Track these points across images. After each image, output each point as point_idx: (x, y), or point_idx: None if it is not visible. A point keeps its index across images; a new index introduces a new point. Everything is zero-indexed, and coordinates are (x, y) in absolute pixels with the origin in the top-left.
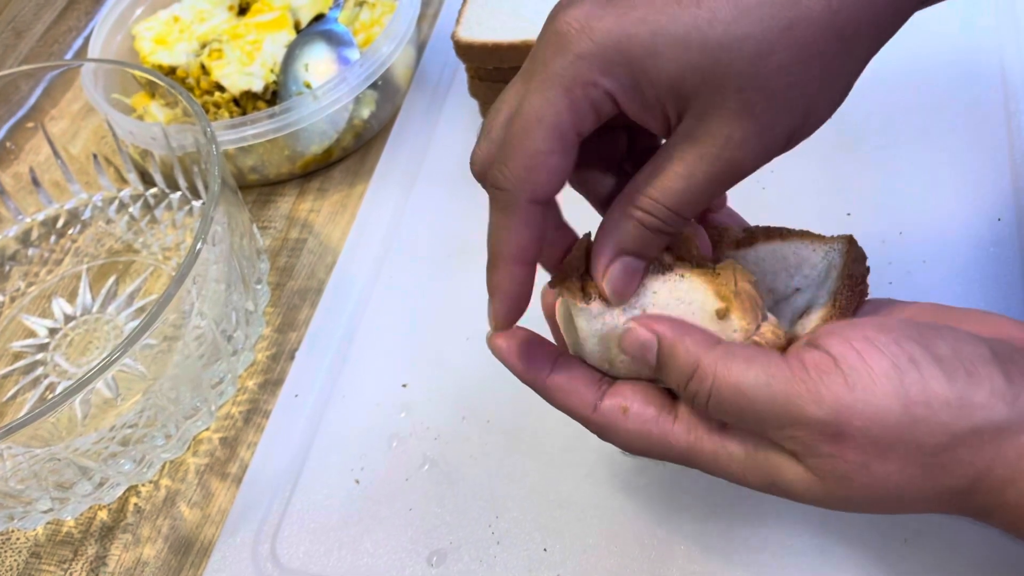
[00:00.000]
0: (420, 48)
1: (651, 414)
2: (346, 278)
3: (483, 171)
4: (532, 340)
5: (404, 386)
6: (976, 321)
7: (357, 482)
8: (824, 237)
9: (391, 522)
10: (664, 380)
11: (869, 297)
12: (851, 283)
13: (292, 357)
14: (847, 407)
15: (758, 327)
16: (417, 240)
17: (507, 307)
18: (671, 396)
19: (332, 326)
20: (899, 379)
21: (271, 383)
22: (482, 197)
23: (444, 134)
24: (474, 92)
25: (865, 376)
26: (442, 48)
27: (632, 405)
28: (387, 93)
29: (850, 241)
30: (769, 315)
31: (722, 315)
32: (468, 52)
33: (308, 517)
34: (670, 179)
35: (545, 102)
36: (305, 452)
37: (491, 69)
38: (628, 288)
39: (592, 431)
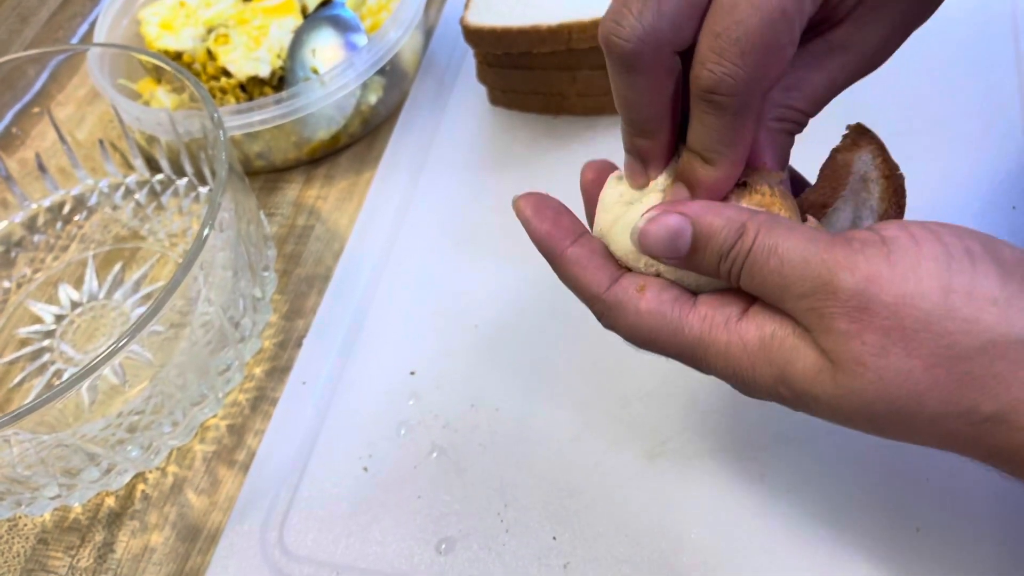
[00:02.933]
0: (428, 33)
1: (670, 295)
2: (353, 265)
3: (654, 48)
4: (560, 210)
5: (412, 373)
6: None
7: (365, 470)
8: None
9: (399, 510)
10: (699, 263)
11: None
12: (893, 207)
13: (299, 344)
14: (881, 279)
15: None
16: (425, 226)
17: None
18: (686, 294)
19: (340, 313)
20: (947, 264)
21: (278, 370)
22: (493, 181)
23: (452, 120)
24: (482, 78)
25: (912, 256)
26: (450, 33)
27: (650, 285)
28: (395, 79)
29: (876, 145)
30: (809, 217)
31: None
32: (477, 37)
33: (316, 505)
34: (814, 87)
35: None
36: (313, 439)
37: (500, 55)
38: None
39: (599, 312)
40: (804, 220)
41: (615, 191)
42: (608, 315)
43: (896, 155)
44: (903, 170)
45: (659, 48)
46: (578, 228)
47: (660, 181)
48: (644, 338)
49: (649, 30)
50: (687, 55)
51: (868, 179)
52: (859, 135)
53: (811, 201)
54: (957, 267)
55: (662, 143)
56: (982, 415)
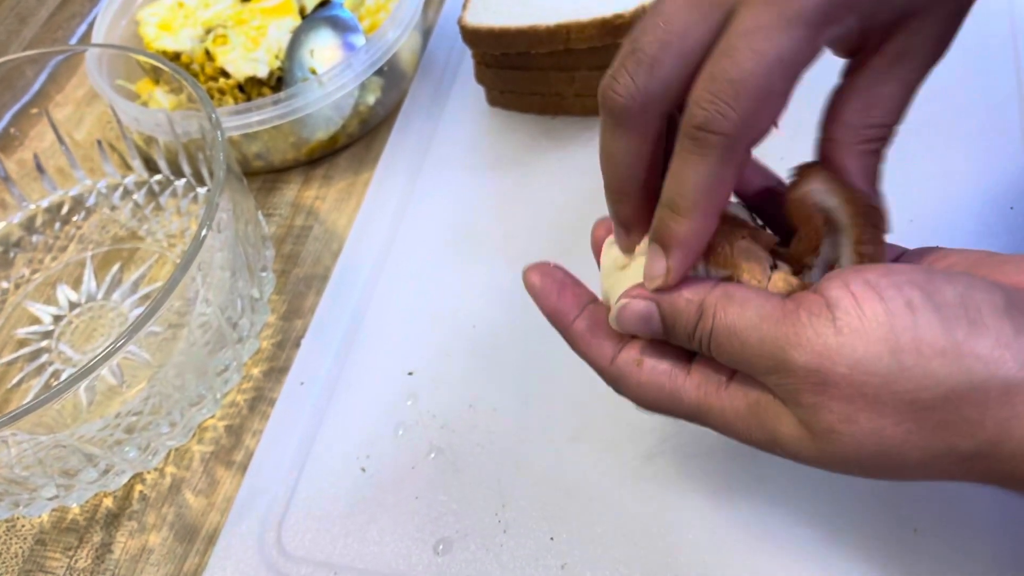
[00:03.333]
0: (426, 34)
1: (664, 368)
2: (352, 265)
3: (642, 106)
4: (566, 281)
5: (410, 374)
6: (1017, 268)
7: (363, 470)
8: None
9: (397, 510)
10: (675, 340)
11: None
12: (867, 227)
13: (298, 345)
14: (831, 352)
15: (769, 279)
16: (423, 227)
17: (688, 262)
18: (687, 354)
19: (338, 314)
20: (889, 324)
21: (276, 371)
22: (491, 182)
23: (450, 121)
24: (480, 78)
25: (855, 320)
26: (448, 33)
27: (646, 358)
28: (393, 79)
29: (825, 174)
30: (781, 264)
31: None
32: (475, 38)
33: (314, 505)
34: (890, 99)
35: (787, 40)
36: (311, 440)
37: (498, 55)
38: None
39: (607, 382)
40: (773, 268)
41: (610, 257)
42: (615, 385)
43: (894, 156)
44: (901, 167)
45: (648, 107)
46: (583, 299)
47: (645, 245)
48: (650, 404)
49: (642, 88)
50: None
51: (829, 208)
52: (805, 170)
53: (799, 252)
54: (900, 324)
55: (641, 207)
56: (964, 454)
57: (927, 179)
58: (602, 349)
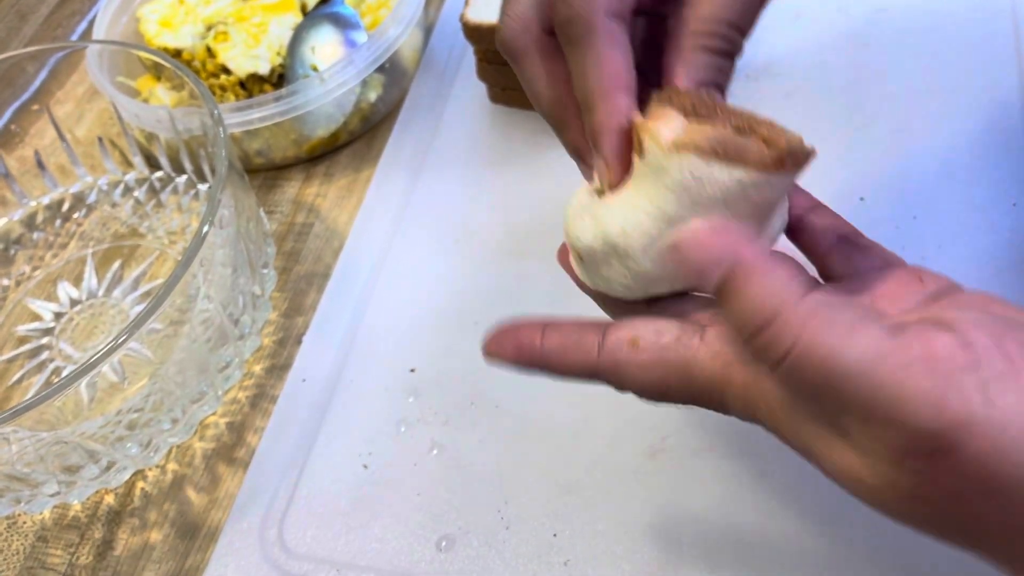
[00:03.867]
0: (428, 30)
1: (668, 340)
2: (353, 263)
3: (522, 29)
4: (515, 326)
5: (412, 371)
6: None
7: (365, 467)
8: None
9: (399, 507)
10: (723, 308)
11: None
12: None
13: (299, 342)
14: (971, 425)
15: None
16: (425, 224)
17: (619, 148)
18: (690, 325)
19: (339, 311)
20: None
21: (278, 368)
22: (493, 179)
23: (452, 118)
24: (482, 75)
25: (1005, 384)
26: (450, 30)
27: (643, 335)
28: (394, 76)
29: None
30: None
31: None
32: (476, 34)
33: (315, 502)
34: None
35: None
36: (312, 437)
37: (499, 52)
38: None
39: (604, 378)
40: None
41: (573, 204)
42: (612, 378)
43: (896, 152)
44: (904, 164)
45: (528, 28)
46: (537, 324)
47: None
48: (656, 390)
49: (517, 15)
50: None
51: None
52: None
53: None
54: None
55: (578, 130)
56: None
57: (930, 176)
58: (584, 344)
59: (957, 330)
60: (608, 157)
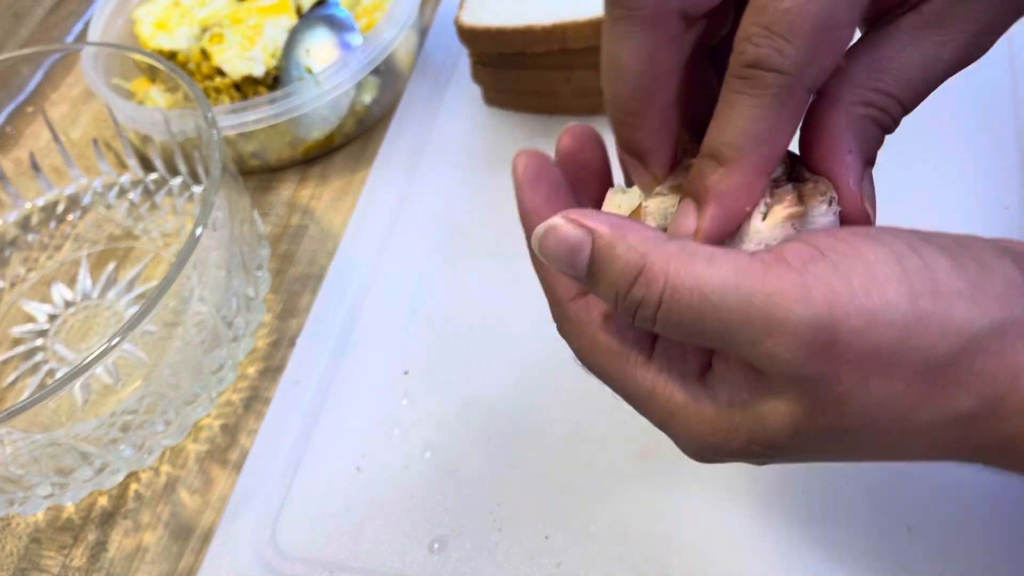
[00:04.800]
0: (423, 33)
1: (632, 336)
2: (347, 264)
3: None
4: (559, 186)
5: (406, 373)
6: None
7: (358, 469)
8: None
9: (392, 509)
10: (597, 290)
11: None
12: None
13: (293, 344)
14: (841, 301)
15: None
16: (419, 226)
17: (725, 223)
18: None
19: (333, 313)
20: (900, 266)
21: (272, 370)
22: (487, 182)
23: (447, 120)
24: (477, 78)
25: (860, 264)
26: (445, 33)
27: (617, 316)
28: (389, 78)
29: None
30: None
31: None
32: (471, 37)
33: (309, 504)
34: (907, 69)
35: None
36: (306, 439)
37: (494, 55)
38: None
39: (556, 318)
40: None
41: (614, 206)
42: (564, 326)
43: (887, 155)
44: (895, 168)
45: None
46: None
47: (663, 191)
48: (594, 369)
49: None
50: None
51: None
52: None
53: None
54: (911, 266)
55: (655, 130)
56: (968, 417)
57: (921, 179)
58: (565, 279)
59: (802, 241)
60: (709, 230)
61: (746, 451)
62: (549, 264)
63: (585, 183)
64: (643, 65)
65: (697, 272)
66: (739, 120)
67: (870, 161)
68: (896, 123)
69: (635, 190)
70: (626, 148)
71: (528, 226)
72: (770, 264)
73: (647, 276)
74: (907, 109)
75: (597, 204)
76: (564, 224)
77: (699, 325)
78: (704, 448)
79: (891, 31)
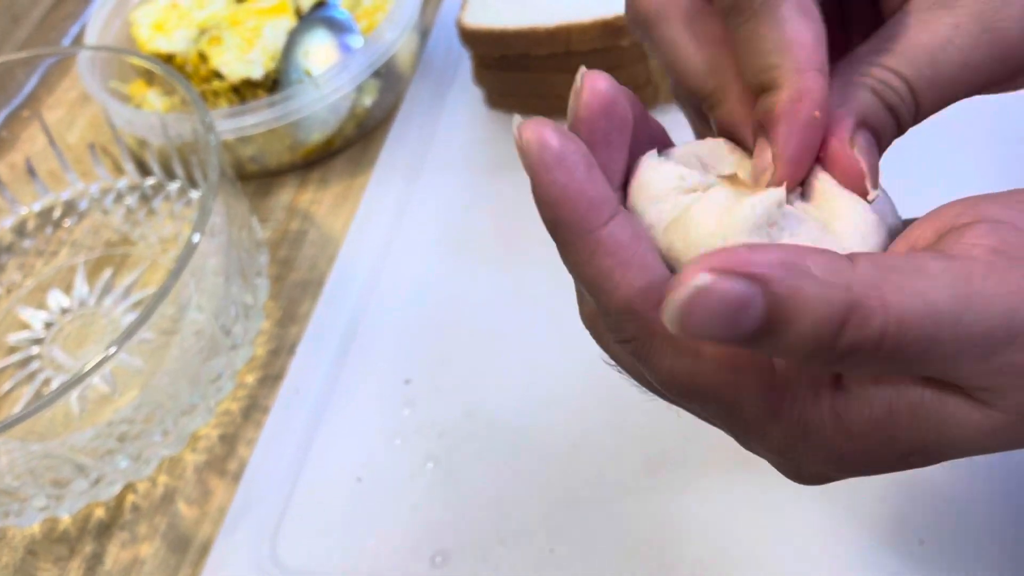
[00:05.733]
0: (424, 35)
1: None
2: (348, 271)
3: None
4: (592, 163)
5: (407, 382)
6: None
7: (359, 480)
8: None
9: (394, 521)
10: (776, 348)
11: None
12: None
13: (292, 352)
14: None
15: None
16: (421, 232)
17: (803, 142)
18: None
19: (333, 320)
20: None
21: (271, 378)
22: (490, 186)
23: (448, 123)
24: (479, 80)
25: None
26: (447, 35)
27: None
28: (390, 81)
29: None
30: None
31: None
32: (473, 39)
33: (309, 515)
34: (912, 47)
35: None
36: (306, 449)
37: (497, 57)
38: (876, 169)
39: (626, 331)
40: None
41: (664, 173)
42: (641, 342)
43: (894, 159)
44: (902, 173)
45: None
46: (611, 196)
47: (732, 163)
48: (688, 392)
49: None
50: None
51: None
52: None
53: None
54: None
55: (737, 99)
56: None
57: (929, 185)
58: (640, 279)
59: (980, 224)
60: (784, 150)
61: (904, 462)
62: (691, 337)
63: (605, 144)
64: (702, 54)
65: (922, 291)
66: (757, 43)
67: (867, 124)
68: (903, 100)
69: (672, 159)
70: (716, 127)
71: (567, 219)
72: (988, 263)
73: (861, 313)
74: (916, 89)
75: (619, 170)
76: (720, 282)
77: (932, 352)
78: (843, 468)
79: (899, 16)
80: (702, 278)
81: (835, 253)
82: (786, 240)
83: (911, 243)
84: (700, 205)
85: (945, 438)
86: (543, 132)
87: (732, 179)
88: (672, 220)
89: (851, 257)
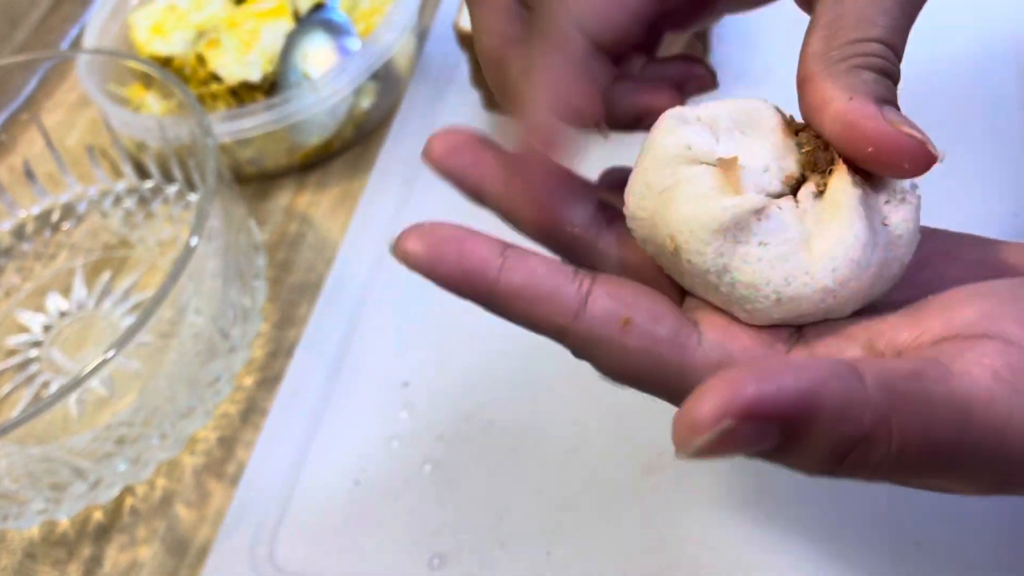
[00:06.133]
0: (422, 37)
1: (663, 333)
2: (346, 273)
3: (503, 44)
4: (460, 235)
5: (405, 385)
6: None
7: (357, 483)
8: None
9: (392, 524)
10: (788, 463)
11: None
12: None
13: (290, 354)
14: None
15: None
16: None
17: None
18: (686, 319)
19: (331, 323)
20: None
21: (269, 381)
22: None
23: (447, 125)
24: (476, 82)
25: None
26: (444, 37)
27: (637, 317)
28: (388, 84)
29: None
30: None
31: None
32: (470, 42)
33: (307, 518)
34: (861, 7)
35: None
36: (304, 452)
37: None
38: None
39: (569, 347)
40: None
41: (674, 139)
42: (583, 352)
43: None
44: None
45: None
46: (496, 244)
47: (765, 131)
48: (630, 380)
49: None
50: None
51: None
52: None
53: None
54: None
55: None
56: None
57: (929, 186)
58: (559, 298)
59: (990, 341)
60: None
61: None
62: (693, 455)
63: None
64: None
65: (926, 423)
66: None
67: (886, 102)
68: (886, 58)
69: (691, 121)
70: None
71: (476, 285)
72: (989, 392)
73: (870, 442)
74: (888, 41)
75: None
76: (742, 427)
77: (929, 474)
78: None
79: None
80: (725, 423)
81: (851, 376)
82: (752, 249)
83: (918, 328)
84: (683, 188)
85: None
86: (405, 245)
87: (727, 164)
88: (663, 189)
89: (860, 374)
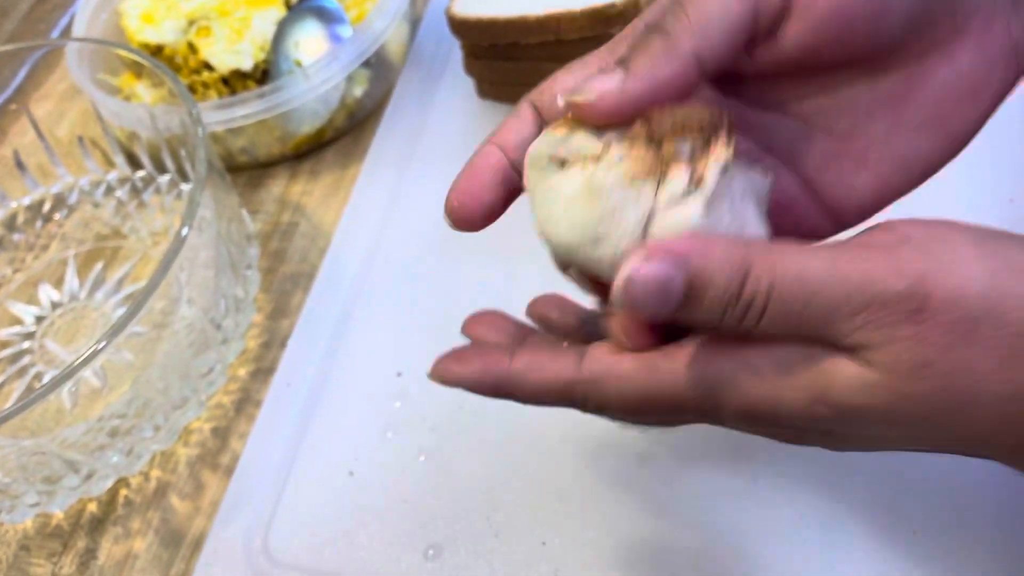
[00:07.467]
0: (414, 24)
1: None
2: (339, 263)
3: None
4: (480, 347)
5: (399, 375)
6: None
7: (351, 474)
8: None
9: (386, 515)
10: (695, 313)
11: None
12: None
13: (284, 345)
14: (929, 276)
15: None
16: (413, 223)
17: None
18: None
19: (325, 312)
20: (978, 246)
21: (263, 371)
22: None
23: (439, 113)
24: (470, 70)
25: (941, 245)
26: (437, 23)
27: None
28: (380, 71)
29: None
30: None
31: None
32: (463, 28)
33: (301, 509)
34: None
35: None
36: (298, 443)
37: (487, 46)
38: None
39: (582, 401)
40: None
41: (543, 140)
42: (593, 397)
43: None
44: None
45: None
46: (502, 348)
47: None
48: (638, 404)
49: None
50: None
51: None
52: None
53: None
54: (989, 248)
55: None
56: None
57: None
58: (559, 359)
59: (883, 227)
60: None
61: (809, 408)
62: (637, 312)
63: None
64: None
65: (798, 260)
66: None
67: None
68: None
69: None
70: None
71: (492, 385)
72: (860, 249)
73: (756, 274)
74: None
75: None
76: (646, 265)
77: (808, 310)
78: (766, 412)
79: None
80: (631, 265)
81: (730, 238)
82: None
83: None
84: (546, 182)
85: (834, 389)
86: (444, 365)
87: (584, 161)
88: (533, 183)
89: (748, 240)
